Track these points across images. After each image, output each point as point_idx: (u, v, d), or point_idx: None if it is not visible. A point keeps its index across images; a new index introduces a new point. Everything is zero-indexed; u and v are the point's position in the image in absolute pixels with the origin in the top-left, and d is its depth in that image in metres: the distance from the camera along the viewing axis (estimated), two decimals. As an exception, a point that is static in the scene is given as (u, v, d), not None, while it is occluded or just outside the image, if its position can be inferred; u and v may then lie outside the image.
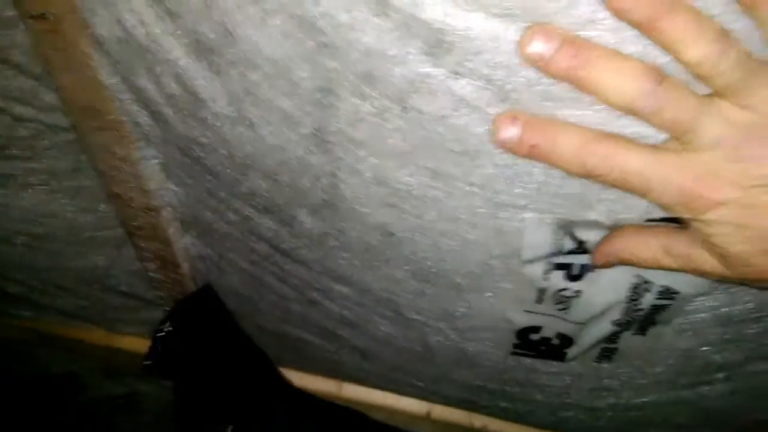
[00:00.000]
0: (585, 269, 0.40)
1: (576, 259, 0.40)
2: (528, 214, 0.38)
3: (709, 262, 0.33)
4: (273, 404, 0.63)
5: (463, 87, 0.33)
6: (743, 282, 0.34)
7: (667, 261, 0.35)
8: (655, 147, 0.32)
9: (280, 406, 0.63)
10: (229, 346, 0.63)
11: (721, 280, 0.35)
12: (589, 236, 0.38)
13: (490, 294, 0.45)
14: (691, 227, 0.33)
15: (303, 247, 0.50)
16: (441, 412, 0.70)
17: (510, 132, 0.33)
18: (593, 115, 0.32)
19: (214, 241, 0.58)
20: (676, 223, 0.36)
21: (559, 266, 0.40)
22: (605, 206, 0.36)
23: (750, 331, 0.44)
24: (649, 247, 0.36)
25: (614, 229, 0.37)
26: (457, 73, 0.33)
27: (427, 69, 0.33)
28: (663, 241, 0.35)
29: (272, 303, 0.61)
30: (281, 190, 0.45)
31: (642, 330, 0.45)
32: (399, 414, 0.72)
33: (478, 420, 0.69)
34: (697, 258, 0.34)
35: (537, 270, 0.41)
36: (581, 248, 0.39)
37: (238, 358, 0.63)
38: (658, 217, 0.36)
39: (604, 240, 0.38)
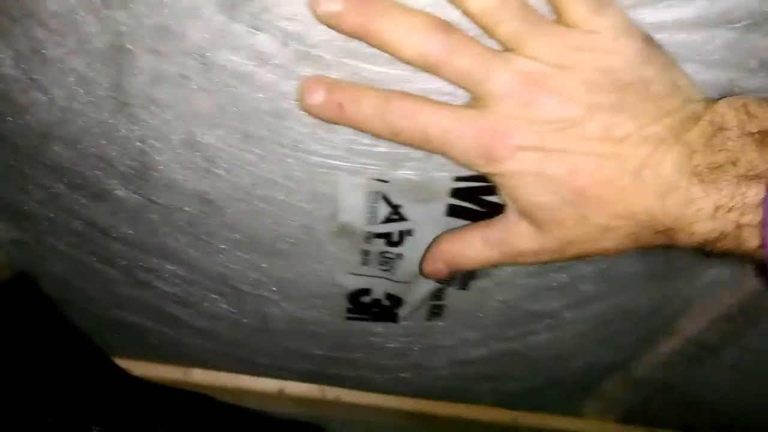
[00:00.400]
0: (403, 235, 0.41)
1: (393, 227, 0.40)
2: (341, 175, 0.38)
3: (525, 235, 0.34)
4: (109, 397, 0.59)
5: (264, 42, 0.32)
6: (564, 255, 0.34)
7: (491, 253, 0.36)
8: (455, 105, 0.33)
9: (117, 397, 0.59)
10: (53, 339, 0.58)
11: (545, 260, 0.35)
12: (404, 200, 0.39)
13: (317, 259, 0.45)
14: (498, 186, 0.34)
15: (122, 224, 0.47)
16: (293, 388, 0.69)
17: (315, 97, 0.33)
18: (396, 72, 0.33)
19: (28, 223, 0.53)
20: (486, 182, 0.38)
21: (378, 235, 0.41)
22: (416, 164, 0.37)
23: (560, 280, 0.48)
24: (471, 243, 0.36)
25: (434, 240, 0.38)
26: (255, 28, 0.32)
27: (225, 22, 0.32)
28: (481, 233, 0.36)
29: (100, 288, 0.57)
30: (87, 160, 0.41)
31: (464, 284, 0.47)
32: (251, 395, 0.70)
33: (331, 392, 0.70)
34: (514, 236, 0.34)
35: (357, 232, 0.41)
36: (397, 214, 0.40)
37: (65, 351, 0.59)
38: (467, 175, 0.38)
39: (427, 251, 0.38)
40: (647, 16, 0.31)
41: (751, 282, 0.55)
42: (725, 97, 0.32)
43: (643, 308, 0.57)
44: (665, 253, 0.50)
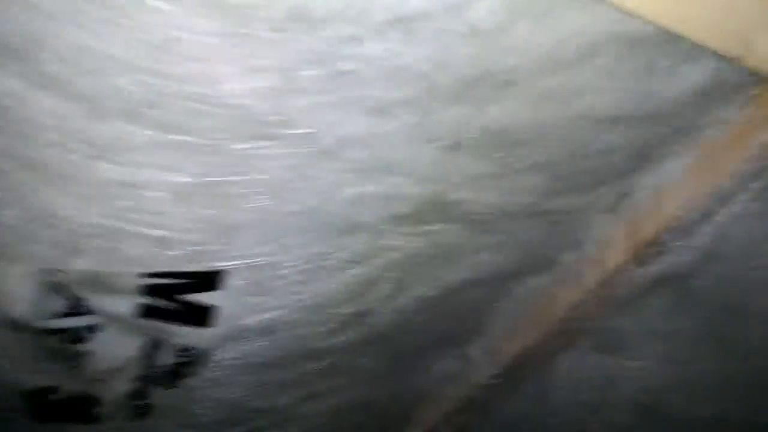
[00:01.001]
0: (91, 330, 0.36)
1: (76, 322, 0.36)
2: (3, 262, 0.32)
3: None
4: None
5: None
6: None
7: None
8: None
9: None
10: None
11: None
12: (87, 294, 0.34)
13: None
14: None
15: None
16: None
17: None
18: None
19: None
20: (185, 278, 0.35)
21: (57, 331, 0.36)
22: (97, 254, 0.33)
23: (277, 376, 0.45)
24: None
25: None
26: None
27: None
28: None
29: None
30: None
31: (172, 383, 0.42)
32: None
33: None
34: None
35: (29, 327, 0.35)
36: (79, 308, 0.35)
37: None
38: (161, 271, 0.34)
39: None
40: (360, 127, 0.31)
41: (479, 374, 0.57)
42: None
43: (381, 401, 0.57)
44: (396, 348, 0.51)
